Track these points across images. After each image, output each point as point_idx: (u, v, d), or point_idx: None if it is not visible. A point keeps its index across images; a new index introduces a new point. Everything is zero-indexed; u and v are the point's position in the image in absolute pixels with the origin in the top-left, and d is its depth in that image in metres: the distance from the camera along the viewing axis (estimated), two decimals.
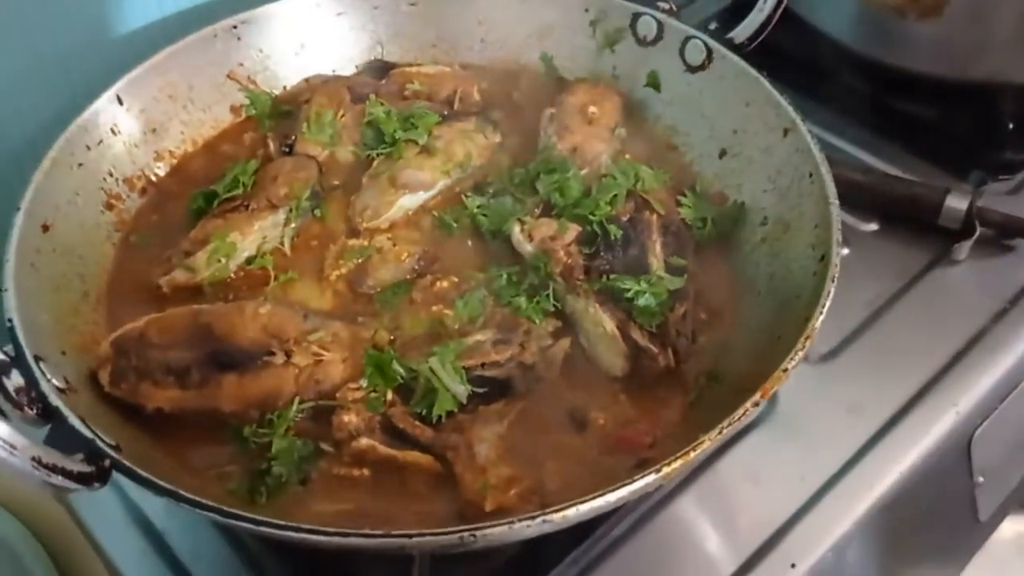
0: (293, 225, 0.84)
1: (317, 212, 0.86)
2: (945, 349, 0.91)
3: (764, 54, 1.17)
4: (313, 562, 0.76)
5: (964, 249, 0.99)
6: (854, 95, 1.17)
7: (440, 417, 0.69)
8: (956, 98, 1.11)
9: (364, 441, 0.67)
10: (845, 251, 1.01)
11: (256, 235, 0.82)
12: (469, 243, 0.83)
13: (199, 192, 0.85)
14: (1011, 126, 1.08)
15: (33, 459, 0.54)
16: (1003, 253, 1.00)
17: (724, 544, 0.78)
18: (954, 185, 1.02)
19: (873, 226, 1.03)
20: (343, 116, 0.93)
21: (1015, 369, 0.91)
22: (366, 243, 0.82)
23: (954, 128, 1.12)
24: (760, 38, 0.87)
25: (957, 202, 0.99)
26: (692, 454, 0.57)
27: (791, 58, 1.21)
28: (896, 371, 0.89)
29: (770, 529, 0.78)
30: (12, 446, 0.53)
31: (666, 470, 0.56)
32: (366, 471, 0.68)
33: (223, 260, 0.80)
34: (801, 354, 0.63)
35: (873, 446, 0.84)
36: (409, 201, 0.86)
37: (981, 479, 0.89)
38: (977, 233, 0.98)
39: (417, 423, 0.69)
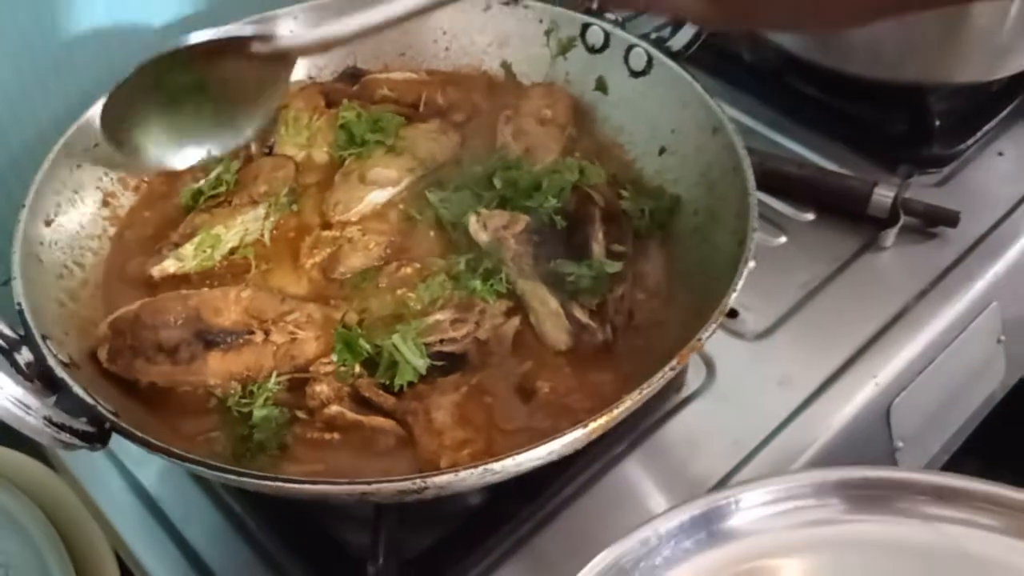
0: (272, 219, 0.92)
1: (294, 207, 0.94)
2: (869, 327, 1.00)
3: (720, 60, 1.27)
4: (292, 521, 0.84)
5: (890, 236, 1.07)
6: (799, 97, 1.26)
7: (402, 387, 0.77)
8: (889, 98, 1.20)
9: (334, 408, 0.75)
10: (783, 239, 1.10)
11: (239, 228, 0.90)
12: (431, 233, 0.90)
13: (187, 189, 0.93)
14: (938, 123, 1.17)
15: (45, 418, 0.62)
16: (927, 240, 1.09)
17: (665, 501, 0.87)
18: (886, 178, 1.11)
19: (810, 216, 1.12)
20: (318, 120, 1.01)
21: (932, 345, 1.00)
22: (338, 234, 0.90)
23: (887, 126, 1.21)
24: (695, 46, 0.95)
25: (884, 193, 1.08)
26: (615, 411, 0.66)
27: (744, 64, 1.30)
28: (823, 347, 0.98)
29: (706, 487, 0.87)
30: (27, 406, 0.61)
31: (592, 425, 0.65)
32: (336, 435, 0.76)
33: (209, 251, 0.88)
34: (714, 326, 0.71)
35: (800, 414, 0.92)
36: (378, 196, 0.93)
37: (901, 444, 0.98)
38: (901, 221, 1.07)
39: (381, 392, 0.77)
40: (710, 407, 0.94)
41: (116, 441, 0.89)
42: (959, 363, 1.03)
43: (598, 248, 0.84)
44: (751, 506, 0.61)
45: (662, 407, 0.93)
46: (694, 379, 0.96)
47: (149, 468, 0.89)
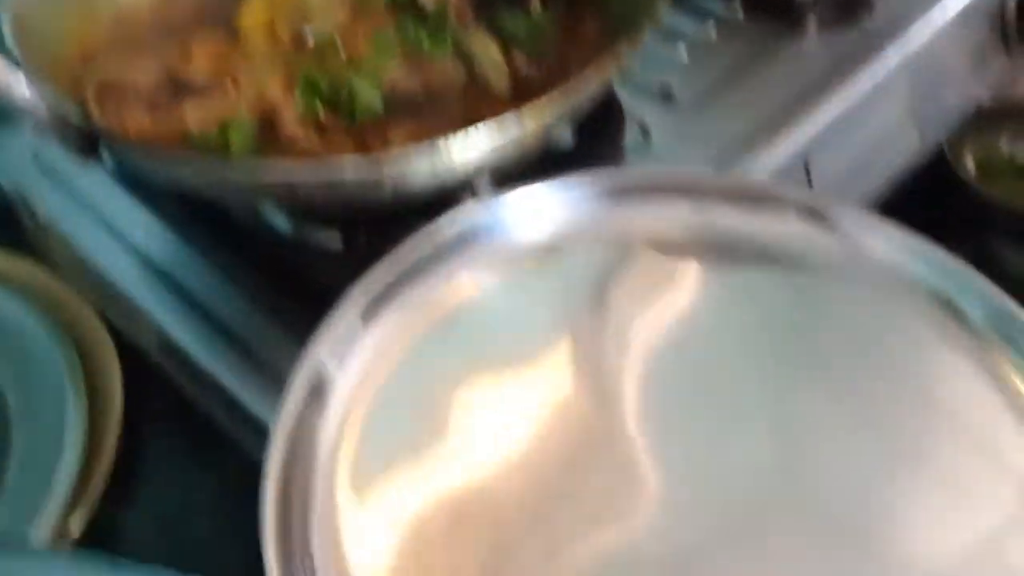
0: None
1: None
2: (789, 96, 1.10)
3: None
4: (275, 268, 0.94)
5: (811, 21, 1.18)
6: None
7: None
8: None
9: (301, 132, 0.85)
10: (714, 36, 1.20)
11: None
12: (384, 10, 0.99)
13: None
14: None
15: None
16: (846, 25, 1.18)
17: None
18: None
19: (739, 16, 1.22)
20: None
21: (846, 110, 1.10)
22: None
23: None
24: None
25: None
26: (547, 102, 0.76)
27: None
28: (748, 114, 1.06)
29: None
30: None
31: (525, 110, 0.75)
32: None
33: None
34: (629, 48, 0.81)
35: (727, 168, 1.03)
36: None
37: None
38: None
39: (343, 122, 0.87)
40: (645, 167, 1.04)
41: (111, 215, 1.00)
42: (872, 127, 1.13)
43: (535, 3, 0.94)
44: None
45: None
46: (631, 145, 1.06)
47: (141, 230, 0.99)
